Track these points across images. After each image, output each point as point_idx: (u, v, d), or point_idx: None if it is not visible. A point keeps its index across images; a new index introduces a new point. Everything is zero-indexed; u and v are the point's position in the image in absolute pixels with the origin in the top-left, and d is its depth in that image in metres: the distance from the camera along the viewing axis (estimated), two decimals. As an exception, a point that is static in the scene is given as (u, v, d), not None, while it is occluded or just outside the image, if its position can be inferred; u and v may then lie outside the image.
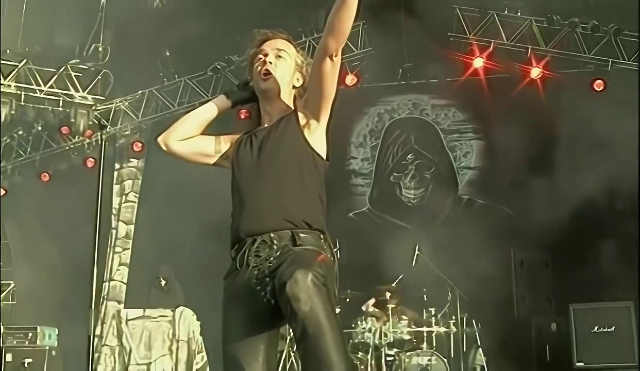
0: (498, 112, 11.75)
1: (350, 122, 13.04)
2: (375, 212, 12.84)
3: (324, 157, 3.56)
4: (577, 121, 10.77)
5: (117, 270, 13.12)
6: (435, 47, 11.90)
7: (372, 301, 10.04)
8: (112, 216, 13.32)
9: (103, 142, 5.30)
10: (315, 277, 3.04)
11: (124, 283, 12.87)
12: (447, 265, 10.26)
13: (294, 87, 3.63)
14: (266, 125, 3.59)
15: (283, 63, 3.58)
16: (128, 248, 13.17)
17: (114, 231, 13.25)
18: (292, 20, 12.28)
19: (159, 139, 3.70)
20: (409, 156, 12.78)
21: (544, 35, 11.32)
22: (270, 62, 3.53)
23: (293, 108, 3.60)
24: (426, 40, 11.82)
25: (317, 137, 3.52)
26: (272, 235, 3.33)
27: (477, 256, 11.04)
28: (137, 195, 13.36)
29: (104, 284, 12.89)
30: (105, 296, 12.65)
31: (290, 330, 3.33)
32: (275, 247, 3.31)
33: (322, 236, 3.43)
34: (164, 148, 3.66)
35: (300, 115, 3.51)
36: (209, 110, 3.68)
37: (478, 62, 11.44)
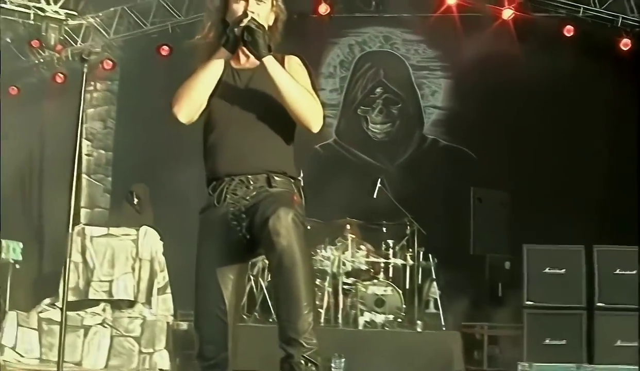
0: (468, 52, 12.04)
1: (320, 53, 13.26)
2: (341, 143, 13.19)
3: None
4: (546, 66, 11.14)
5: (102, 197, 13.55)
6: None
7: None
8: (87, 141, 13.68)
9: (84, 77, 5.49)
10: (296, 216, 3.42)
11: (107, 210, 13.32)
12: (408, 201, 10.67)
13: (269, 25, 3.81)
14: (246, 66, 3.80)
15: (263, 8, 3.75)
16: (109, 176, 13.58)
17: (88, 157, 13.64)
18: None
19: (180, 115, 3.72)
20: (377, 90, 13.07)
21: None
22: (252, 12, 3.67)
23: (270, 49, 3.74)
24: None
25: None
26: (249, 176, 3.69)
27: (437, 194, 11.58)
28: (114, 121, 13.72)
29: (81, 210, 13.32)
30: (89, 222, 13.06)
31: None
32: (251, 187, 3.68)
33: (293, 181, 3.81)
34: (185, 121, 3.74)
35: (286, 65, 3.76)
36: (219, 70, 3.73)
37: (451, -1, 11.77)
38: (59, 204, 13.31)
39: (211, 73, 3.70)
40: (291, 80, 3.64)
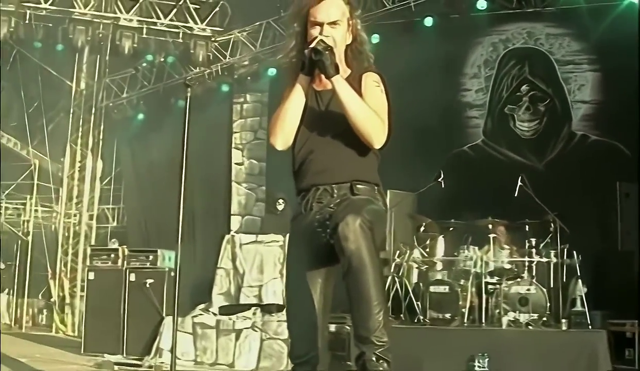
0: (614, 42, 11.93)
1: (464, 53, 13.48)
2: (489, 143, 13.30)
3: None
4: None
5: (255, 205, 14.29)
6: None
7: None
8: (238, 151, 14.45)
9: (188, 98, 5.99)
10: (363, 221, 3.72)
11: (260, 218, 14.02)
12: (555, 198, 10.72)
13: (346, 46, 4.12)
14: (327, 87, 4.07)
15: (337, 31, 4.04)
16: (262, 185, 14.30)
17: (239, 167, 14.40)
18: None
19: (277, 144, 4.11)
20: (523, 87, 13.10)
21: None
22: (327, 36, 3.98)
23: (348, 68, 4.11)
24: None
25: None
26: (333, 186, 4.04)
27: (585, 190, 11.50)
28: (265, 131, 14.42)
29: (231, 218, 14.09)
30: (240, 229, 13.81)
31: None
32: (335, 195, 4.03)
33: (376, 188, 4.11)
34: (282, 149, 4.14)
35: (363, 83, 4.06)
36: (302, 97, 4.07)
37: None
38: (210, 212, 14.24)
39: (296, 102, 4.06)
40: (356, 100, 3.94)
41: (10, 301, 14.54)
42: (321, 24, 4.01)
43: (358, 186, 4.04)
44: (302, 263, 4.05)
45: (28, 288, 14.33)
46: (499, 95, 13.29)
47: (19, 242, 14.74)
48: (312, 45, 3.93)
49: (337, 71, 3.94)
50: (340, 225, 3.72)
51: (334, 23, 4.03)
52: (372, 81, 4.10)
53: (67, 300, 14.32)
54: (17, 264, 14.80)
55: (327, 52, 3.91)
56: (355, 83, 4.04)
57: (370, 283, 3.70)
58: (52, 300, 14.40)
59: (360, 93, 4.00)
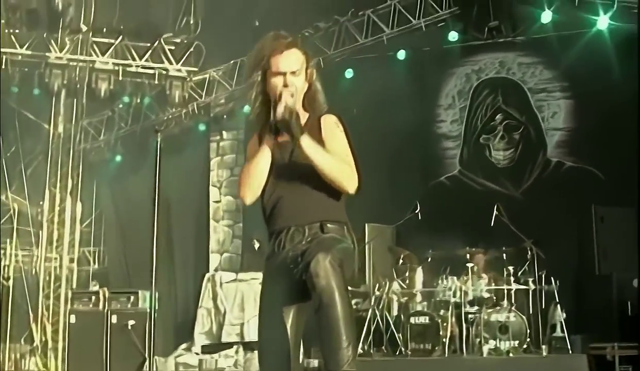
0: (584, 69, 12.16)
1: (438, 84, 13.68)
2: (466, 173, 13.46)
3: None
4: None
5: (232, 242, 14.35)
6: (519, 4, 12.51)
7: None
8: (215, 188, 14.57)
9: (158, 144, 6.10)
10: (333, 259, 3.86)
11: (239, 255, 14.07)
12: (531, 225, 10.88)
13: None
14: (286, 139, 4.18)
15: (298, 80, 4.21)
16: (239, 222, 14.38)
17: (217, 204, 14.50)
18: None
19: (246, 200, 4.27)
20: (497, 116, 13.29)
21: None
22: (290, 91, 4.15)
23: (305, 111, 4.28)
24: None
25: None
26: (305, 226, 4.16)
27: (561, 216, 11.64)
28: (240, 169, 14.48)
29: (210, 256, 14.15)
30: (219, 267, 13.87)
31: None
32: (306, 234, 4.14)
33: (345, 226, 4.24)
34: (250, 203, 4.29)
35: (322, 125, 4.22)
36: (269, 155, 4.21)
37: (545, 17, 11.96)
38: (189, 251, 14.31)
39: (264, 161, 4.21)
40: (322, 154, 4.07)
41: (-9, 347, 14.48)
42: (283, 74, 4.18)
43: (328, 225, 4.16)
44: (275, 299, 4.16)
45: (10, 332, 14.26)
46: (474, 125, 13.48)
47: (0, 286, 14.70)
48: (278, 117, 4.06)
49: (302, 131, 4.08)
50: (312, 262, 3.85)
51: (293, 72, 4.19)
52: (331, 122, 4.24)
53: (50, 344, 14.27)
54: (-1, 309, 14.75)
55: (292, 118, 4.05)
56: (314, 126, 4.22)
57: (340, 318, 3.81)
58: (34, 344, 14.35)
59: (320, 136, 4.16)
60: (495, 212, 10.37)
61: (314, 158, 4.07)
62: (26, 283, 14.71)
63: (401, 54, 13.30)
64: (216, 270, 13.23)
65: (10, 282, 14.48)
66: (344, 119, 4.28)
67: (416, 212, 10.88)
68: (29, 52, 13.71)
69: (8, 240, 14.62)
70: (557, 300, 10.03)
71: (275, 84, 4.19)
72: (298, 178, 4.20)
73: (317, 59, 13.41)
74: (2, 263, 14.65)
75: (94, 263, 15.74)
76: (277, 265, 4.18)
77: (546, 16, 12.13)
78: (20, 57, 13.71)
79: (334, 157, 4.11)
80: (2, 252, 14.61)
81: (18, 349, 14.60)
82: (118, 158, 15.46)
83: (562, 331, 9.94)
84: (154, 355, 6.72)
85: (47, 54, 13.75)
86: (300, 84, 4.24)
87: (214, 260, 14.17)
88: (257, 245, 11.97)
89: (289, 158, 4.25)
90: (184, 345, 11.19)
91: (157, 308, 11.36)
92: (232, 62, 14.18)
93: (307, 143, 4.07)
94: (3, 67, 13.64)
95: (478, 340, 9.92)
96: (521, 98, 13.22)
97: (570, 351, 9.68)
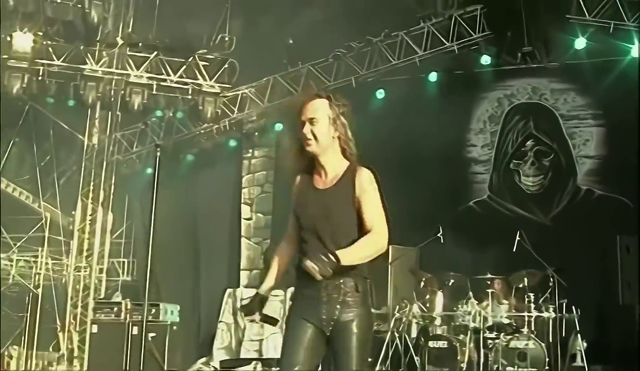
0: (618, 97, 12.06)
1: (469, 108, 13.65)
2: (495, 198, 13.40)
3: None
4: None
5: (260, 259, 14.38)
6: (554, 30, 12.47)
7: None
8: (246, 206, 14.66)
9: (157, 158, 6.18)
10: (357, 338, 4.28)
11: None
12: (555, 252, 10.80)
13: (333, 137, 4.55)
14: (324, 179, 4.54)
15: (318, 126, 4.48)
16: (267, 239, 14.43)
17: (248, 221, 14.58)
18: (410, 5, 13.12)
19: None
20: (528, 142, 13.24)
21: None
22: (311, 131, 4.47)
23: (346, 159, 4.54)
24: (545, 22, 12.40)
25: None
26: (340, 280, 4.34)
27: (586, 244, 11.51)
28: (272, 185, 14.63)
29: (241, 272, 14.21)
30: (248, 284, 13.92)
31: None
32: (342, 290, 4.35)
33: (368, 281, 4.46)
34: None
35: (357, 178, 4.45)
36: None
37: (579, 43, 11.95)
38: (217, 267, 14.38)
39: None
40: (359, 252, 4.30)
41: (20, 353, 14.64)
42: (303, 123, 4.48)
43: (359, 284, 4.38)
44: (299, 330, 4.39)
45: (38, 340, 14.42)
46: (505, 151, 13.42)
47: (30, 294, 14.88)
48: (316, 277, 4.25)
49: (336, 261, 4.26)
50: (338, 336, 4.32)
51: (312, 119, 4.48)
52: (367, 180, 4.46)
53: (76, 353, 14.42)
54: (28, 316, 14.91)
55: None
56: (350, 175, 4.47)
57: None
58: (60, 352, 14.51)
59: (353, 186, 4.43)
60: (517, 238, 10.26)
61: (359, 261, 4.31)
62: (55, 292, 14.89)
63: (433, 76, 13.34)
64: (246, 286, 13.27)
65: (40, 290, 14.68)
66: (377, 175, 4.48)
67: (438, 235, 10.81)
68: (65, 64, 13.89)
69: (40, 249, 14.80)
70: (578, 329, 9.91)
71: (303, 131, 4.50)
72: (332, 222, 4.44)
73: (349, 79, 13.55)
74: (33, 271, 14.86)
75: (124, 274, 15.87)
76: (308, 300, 4.39)
77: (580, 43, 12.17)
78: (56, 68, 13.89)
79: (369, 239, 4.32)
80: (34, 260, 14.82)
81: (46, 356, 14.76)
82: (149, 170, 15.60)
83: (582, 361, 9.82)
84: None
85: (82, 66, 13.93)
86: (322, 130, 4.49)
87: (244, 276, 14.20)
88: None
89: (324, 203, 4.49)
90: (202, 359, 11.23)
91: (177, 321, 11.57)
92: (264, 79, 14.30)
93: (346, 259, 4.25)
94: (40, 77, 13.87)
95: (496, 366, 9.83)
96: (553, 124, 13.14)
97: (590, 382, 9.56)
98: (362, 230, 4.35)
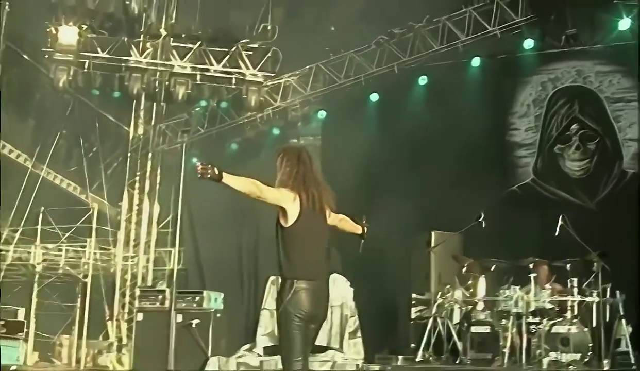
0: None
1: (512, 92, 13.57)
2: (539, 182, 13.31)
3: None
4: None
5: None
6: (597, 11, 12.33)
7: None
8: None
9: (183, 148, 6.39)
10: None
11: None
12: (601, 237, 10.71)
13: None
14: None
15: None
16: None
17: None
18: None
19: None
20: (572, 126, 13.11)
21: None
22: None
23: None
24: (588, 4, 12.28)
25: None
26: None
27: (632, 229, 11.35)
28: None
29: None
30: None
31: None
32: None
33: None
34: None
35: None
36: None
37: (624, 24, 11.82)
38: (258, 255, 14.47)
39: None
40: (236, 182, 5.14)
41: (71, 342, 14.87)
42: None
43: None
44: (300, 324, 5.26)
45: (88, 329, 14.65)
46: (549, 134, 13.31)
47: (80, 284, 15.12)
48: None
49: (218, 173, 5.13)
50: None
51: None
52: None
53: (124, 341, 14.63)
54: (79, 306, 15.15)
55: None
56: None
57: None
58: (109, 341, 14.73)
59: None
60: (560, 221, 10.17)
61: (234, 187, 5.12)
62: (103, 281, 15.12)
63: (476, 61, 13.27)
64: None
65: (89, 280, 14.91)
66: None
67: (479, 220, 10.76)
68: (110, 56, 14.07)
69: (88, 239, 15.02)
70: (622, 314, 9.81)
71: None
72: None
73: (391, 66, 13.53)
74: (82, 261, 15.09)
75: (170, 263, 16.03)
76: (305, 308, 5.28)
77: (624, 23, 12.02)
78: (101, 60, 14.09)
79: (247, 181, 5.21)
80: (82, 250, 15.05)
81: (96, 345, 14.99)
82: (194, 160, 15.72)
83: (627, 346, 9.72)
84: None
85: (127, 57, 14.11)
86: None
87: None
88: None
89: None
90: (246, 346, 11.35)
91: (221, 309, 11.70)
92: (307, 67, 14.33)
93: (227, 179, 5.10)
94: (85, 70, 14.07)
95: (538, 351, 9.79)
96: (598, 107, 13.00)
97: (635, 367, 9.45)
98: None
